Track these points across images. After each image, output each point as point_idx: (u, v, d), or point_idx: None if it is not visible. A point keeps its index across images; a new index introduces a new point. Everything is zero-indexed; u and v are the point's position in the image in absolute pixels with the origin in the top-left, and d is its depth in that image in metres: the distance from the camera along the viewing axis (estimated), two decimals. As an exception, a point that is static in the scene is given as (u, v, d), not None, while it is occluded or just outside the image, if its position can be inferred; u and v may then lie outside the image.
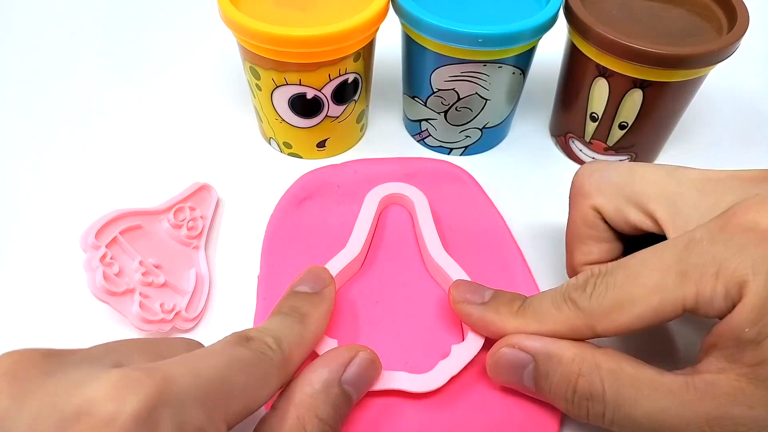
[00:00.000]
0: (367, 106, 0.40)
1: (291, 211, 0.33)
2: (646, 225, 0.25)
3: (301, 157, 0.39)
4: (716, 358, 0.21)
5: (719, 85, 0.44)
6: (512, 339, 0.24)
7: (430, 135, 0.39)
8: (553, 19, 0.33)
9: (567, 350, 0.23)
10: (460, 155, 0.40)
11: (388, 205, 0.34)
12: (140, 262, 0.29)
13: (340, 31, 0.31)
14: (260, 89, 0.35)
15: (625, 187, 0.26)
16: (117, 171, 0.38)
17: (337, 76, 0.34)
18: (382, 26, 0.34)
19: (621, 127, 0.36)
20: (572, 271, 0.29)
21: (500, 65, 0.34)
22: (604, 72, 0.34)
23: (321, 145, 0.38)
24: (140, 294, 0.28)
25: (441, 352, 0.27)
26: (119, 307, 0.27)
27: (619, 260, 0.23)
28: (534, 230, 0.35)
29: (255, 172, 0.38)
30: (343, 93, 0.35)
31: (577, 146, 0.39)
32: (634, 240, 0.27)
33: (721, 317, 0.20)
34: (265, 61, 0.33)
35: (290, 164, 0.39)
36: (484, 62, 0.33)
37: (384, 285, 0.31)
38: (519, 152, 0.40)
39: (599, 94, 0.35)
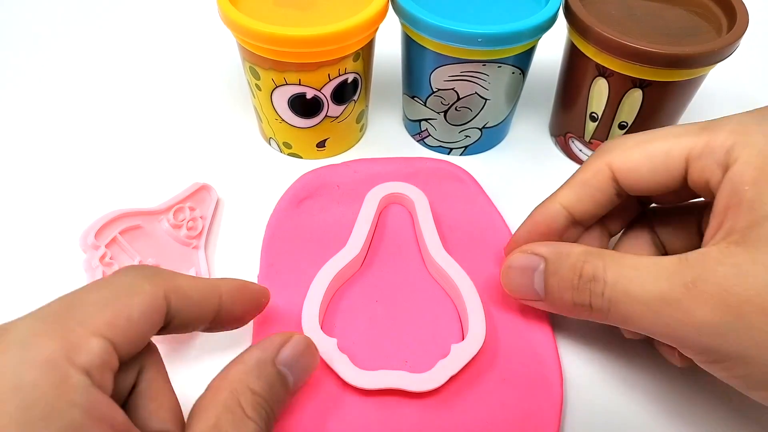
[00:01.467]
0: (367, 106, 0.40)
1: (291, 211, 0.33)
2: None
3: (300, 157, 0.39)
4: (711, 236, 0.22)
5: (719, 85, 0.44)
6: (525, 246, 0.26)
7: (429, 135, 0.39)
8: (552, 19, 0.33)
9: (576, 248, 0.25)
10: (460, 155, 0.40)
11: (388, 204, 0.34)
12: (140, 262, 0.29)
13: (340, 31, 0.31)
14: (260, 89, 0.35)
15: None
16: (117, 171, 0.38)
17: (336, 76, 0.34)
18: (382, 26, 0.34)
19: (621, 126, 0.36)
20: (540, 215, 0.28)
21: (500, 65, 0.34)
22: (603, 72, 0.34)
23: (321, 145, 0.38)
24: (140, 294, 0.28)
25: (440, 352, 0.27)
26: (119, 307, 0.27)
27: None
28: (534, 230, 0.35)
29: (255, 172, 0.38)
30: (343, 93, 0.35)
31: (576, 146, 0.39)
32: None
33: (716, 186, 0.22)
34: (264, 61, 0.33)
35: (290, 164, 0.39)
36: (484, 62, 0.33)
37: (384, 284, 0.31)
38: (519, 152, 0.40)
39: (599, 93, 0.35)
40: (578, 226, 0.28)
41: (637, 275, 0.22)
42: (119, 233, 0.29)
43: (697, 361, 0.22)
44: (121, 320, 0.19)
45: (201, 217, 0.33)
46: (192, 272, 0.31)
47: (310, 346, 0.24)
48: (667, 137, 0.24)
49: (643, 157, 0.25)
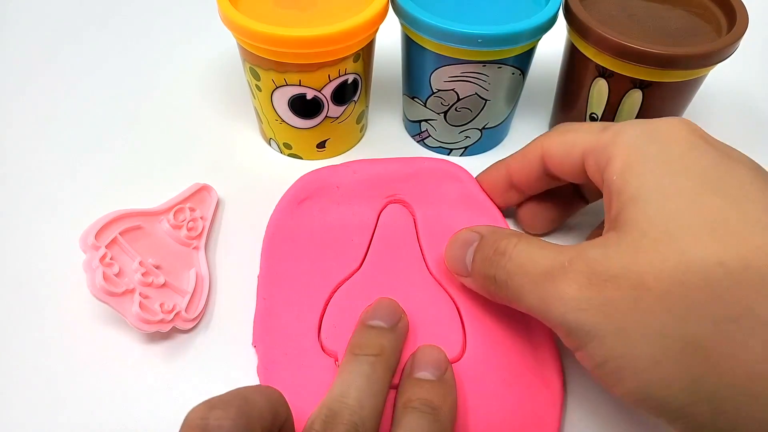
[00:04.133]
0: (367, 106, 0.40)
1: (291, 212, 0.33)
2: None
3: (301, 158, 0.39)
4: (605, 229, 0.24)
5: (719, 85, 0.44)
6: (473, 225, 0.28)
7: (429, 135, 0.39)
8: (552, 20, 0.33)
9: (510, 230, 0.27)
10: (460, 156, 0.40)
11: (387, 204, 0.34)
12: (140, 263, 0.29)
13: (340, 32, 0.31)
14: (260, 90, 0.35)
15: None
16: (117, 172, 0.38)
17: (336, 77, 0.34)
18: (382, 26, 0.34)
19: (621, 127, 0.36)
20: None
21: (500, 66, 0.34)
22: (603, 72, 0.34)
23: (321, 145, 0.38)
24: (140, 294, 0.28)
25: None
26: (119, 308, 0.27)
27: None
28: (534, 230, 0.35)
29: (255, 173, 0.38)
30: (343, 94, 0.35)
31: (576, 146, 0.39)
32: None
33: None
34: (264, 62, 0.33)
35: (290, 165, 0.39)
36: (484, 63, 0.33)
37: (384, 284, 0.31)
38: (519, 153, 0.40)
39: (599, 94, 0.35)
40: (515, 191, 0.33)
41: (535, 253, 0.24)
42: (119, 234, 0.29)
43: (570, 347, 0.23)
44: None
45: (201, 218, 0.33)
46: (192, 273, 0.31)
47: None
48: (578, 131, 0.27)
49: (559, 144, 0.28)
